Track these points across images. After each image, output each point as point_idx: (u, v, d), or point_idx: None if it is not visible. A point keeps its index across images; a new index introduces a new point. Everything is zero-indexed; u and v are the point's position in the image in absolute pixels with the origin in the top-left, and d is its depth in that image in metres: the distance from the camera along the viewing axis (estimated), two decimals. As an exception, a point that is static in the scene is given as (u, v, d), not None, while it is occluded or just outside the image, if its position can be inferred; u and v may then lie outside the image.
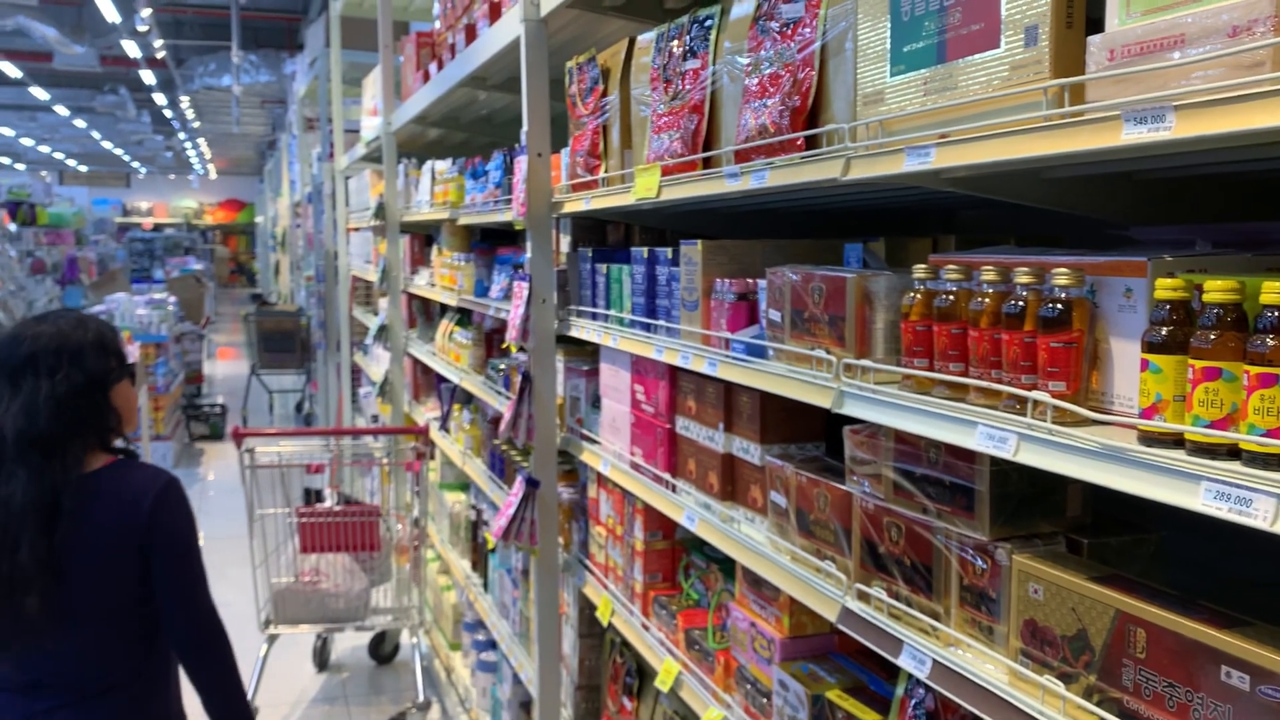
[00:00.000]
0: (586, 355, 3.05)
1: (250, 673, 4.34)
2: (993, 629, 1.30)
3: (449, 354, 4.69)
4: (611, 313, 2.59)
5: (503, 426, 2.95)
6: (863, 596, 1.54)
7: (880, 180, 1.44)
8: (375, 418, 7.50)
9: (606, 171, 2.54)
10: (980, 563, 1.31)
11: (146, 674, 2.29)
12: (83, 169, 35.06)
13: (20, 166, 31.94)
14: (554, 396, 2.99)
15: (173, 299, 10.20)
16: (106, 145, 29.02)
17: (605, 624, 2.70)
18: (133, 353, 7.35)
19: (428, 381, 5.81)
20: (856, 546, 1.56)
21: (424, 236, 5.66)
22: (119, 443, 2.37)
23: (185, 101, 21.08)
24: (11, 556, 2.14)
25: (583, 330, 2.79)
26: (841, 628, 1.56)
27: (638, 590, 2.53)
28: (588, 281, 2.81)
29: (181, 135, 28.32)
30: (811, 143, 1.66)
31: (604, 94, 2.53)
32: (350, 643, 5.48)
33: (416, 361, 5.69)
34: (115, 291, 10.92)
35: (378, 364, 7.30)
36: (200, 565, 2.32)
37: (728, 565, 2.27)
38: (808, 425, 1.93)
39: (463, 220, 4.16)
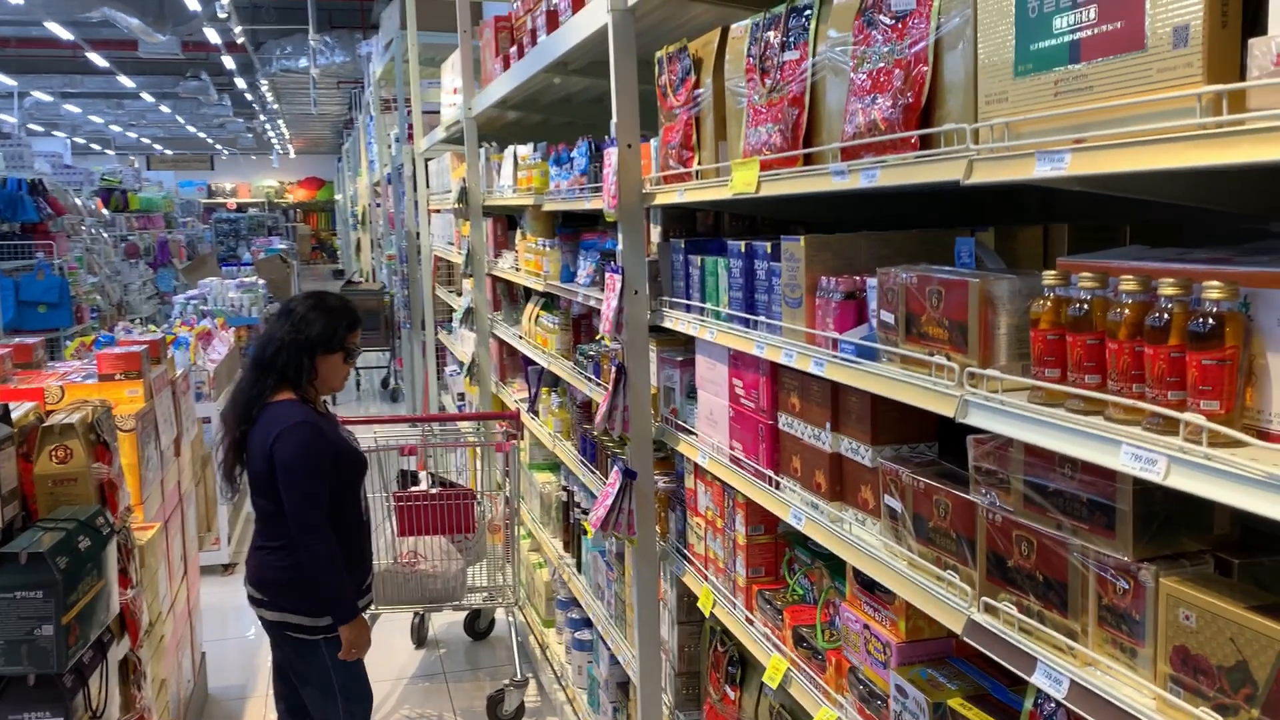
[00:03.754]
0: (679, 345, 3.03)
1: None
2: (1136, 651, 1.25)
3: (535, 338, 4.71)
4: (707, 306, 2.56)
5: (599, 418, 2.94)
6: (990, 610, 1.50)
7: (1005, 184, 1.39)
8: (461, 395, 7.59)
9: (700, 163, 2.50)
10: (1122, 583, 1.26)
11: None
12: (168, 153, 35.94)
13: (110, 152, 32.84)
14: (648, 388, 2.97)
15: (262, 281, 10.40)
16: (190, 129, 29.68)
17: (707, 614, 2.70)
18: (227, 338, 7.53)
19: (514, 363, 5.85)
20: (982, 558, 1.52)
21: (506, 219, 5.68)
22: (326, 400, 3.47)
23: (265, 85, 21.43)
24: (232, 435, 3.30)
25: (676, 322, 2.77)
26: (968, 640, 1.52)
27: (740, 584, 2.52)
28: (680, 273, 2.78)
29: (261, 117, 28.83)
30: (926, 141, 1.60)
31: (696, 85, 2.49)
32: (446, 619, 5.58)
33: (503, 343, 5.74)
34: (207, 276, 11.19)
35: (463, 344, 7.37)
36: (304, 485, 3.15)
37: (834, 562, 2.24)
38: (920, 426, 1.89)
39: (548, 207, 4.16)
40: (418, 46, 8.17)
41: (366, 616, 4.57)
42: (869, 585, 1.95)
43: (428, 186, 8.47)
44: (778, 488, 2.26)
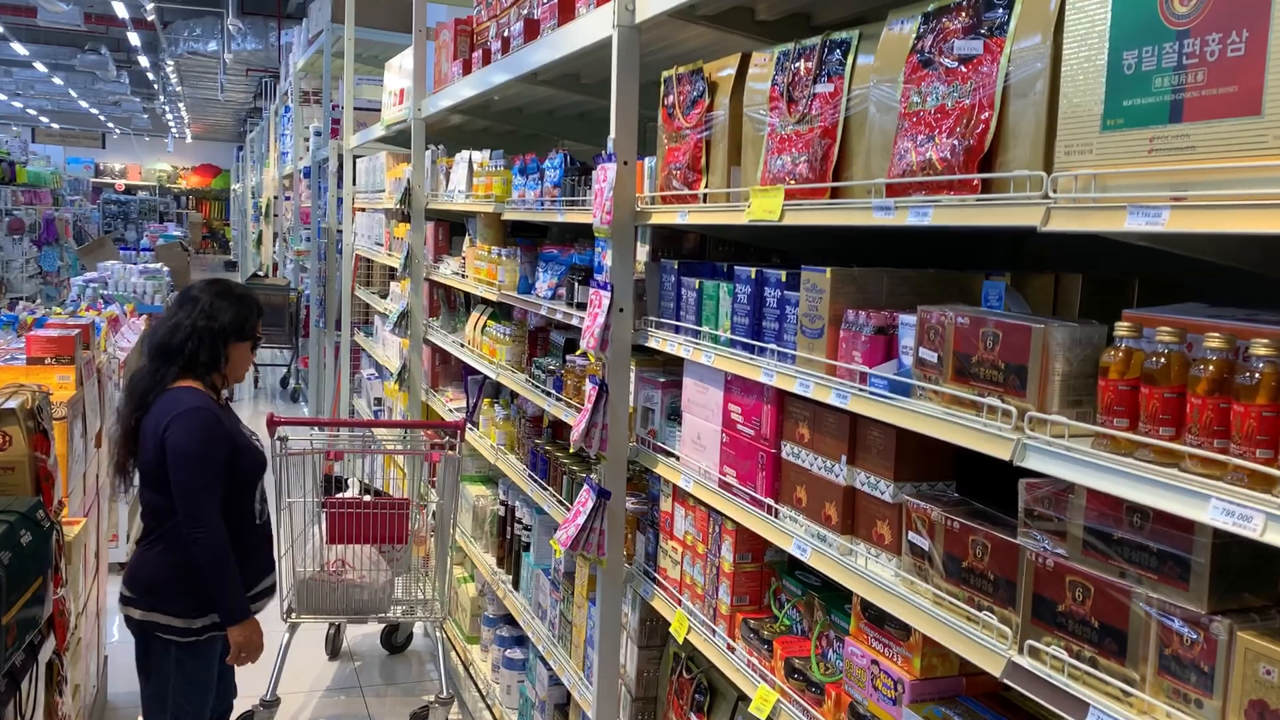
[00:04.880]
0: (658, 365, 3.01)
1: (272, 662, 4.29)
2: (1203, 703, 1.28)
3: (481, 347, 4.62)
4: (704, 329, 2.55)
5: (575, 436, 2.90)
6: (1034, 653, 1.51)
7: (1083, 234, 1.41)
8: (379, 400, 7.41)
9: (709, 187, 2.49)
10: (1191, 634, 1.29)
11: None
12: (55, 127, 34.34)
13: (-9, 121, 31.23)
14: (626, 407, 2.95)
15: (165, 268, 10.01)
16: (82, 104, 28.43)
17: (680, 640, 2.67)
18: (137, 326, 7.21)
19: (447, 370, 5.73)
20: (1027, 601, 1.53)
21: (448, 225, 5.58)
22: (225, 393, 3.37)
23: (170, 65, 20.70)
24: (125, 422, 3.19)
25: (664, 343, 2.75)
26: (1008, 682, 1.53)
27: (723, 611, 2.50)
28: (671, 294, 2.76)
29: (161, 98, 27.81)
30: (987, 186, 1.62)
31: (710, 108, 2.48)
32: (361, 631, 5.43)
33: (436, 350, 5.62)
34: (105, 259, 10.70)
35: (384, 347, 7.20)
36: (196, 474, 3.05)
37: (831, 595, 2.24)
38: (941, 464, 1.91)
39: (512, 216, 4.10)
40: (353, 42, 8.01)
41: (287, 625, 4.43)
42: (878, 620, 1.95)
43: (354, 184, 8.28)
44: (776, 517, 2.25)
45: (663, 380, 2.89)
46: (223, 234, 35.37)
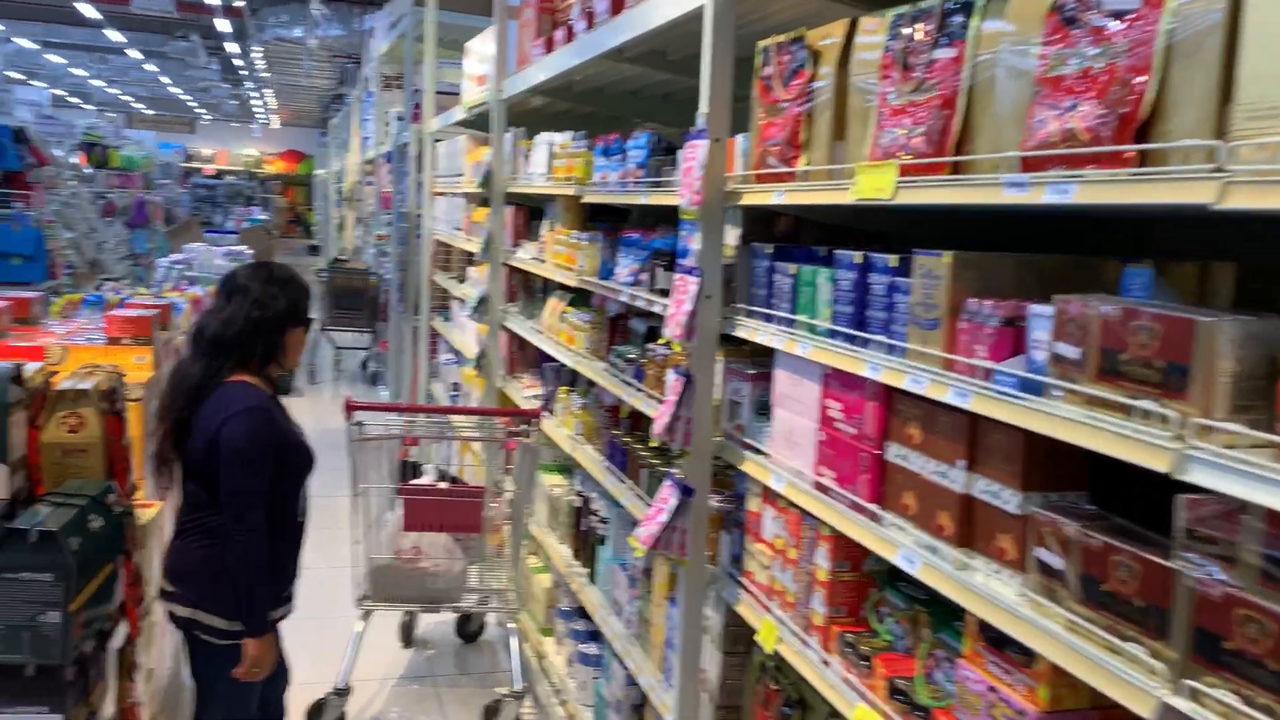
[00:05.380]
0: (745, 356, 2.84)
1: (346, 649, 4.23)
2: None
3: (559, 334, 4.50)
4: (800, 318, 2.37)
5: (658, 429, 2.74)
6: (1194, 694, 1.32)
7: (1264, 214, 1.21)
8: (456, 386, 7.35)
9: (810, 163, 2.31)
10: (1403, 687, 1.09)
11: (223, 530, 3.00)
12: (148, 113, 35.24)
13: (88, 107, 32.15)
14: (711, 400, 2.78)
15: (249, 250, 10.10)
16: (173, 91, 29.10)
17: (769, 650, 2.51)
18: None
19: (524, 357, 5.63)
20: (1187, 634, 1.34)
21: (527, 210, 5.46)
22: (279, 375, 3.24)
23: (258, 52, 21.03)
24: (174, 416, 3.05)
25: (754, 333, 2.58)
26: (1161, 726, 1.34)
27: (817, 622, 2.33)
28: (762, 280, 2.59)
29: (248, 85, 28.33)
30: (1142, 158, 1.42)
31: (812, 78, 2.30)
32: (434, 618, 5.35)
33: (513, 336, 5.52)
34: (191, 241, 10.85)
35: (461, 332, 7.13)
36: (247, 479, 2.95)
37: (937, 610, 2.06)
38: (1073, 473, 1.71)
39: (593, 198, 3.95)
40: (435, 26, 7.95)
41: (361, 612, 4.37)
42: (997, 642, 1.76)
43: (434, 168, 8.23)
44: (880, 524, 2.07)
45: (751, 372, 2.72)
46: (306, 219, 35.96)
